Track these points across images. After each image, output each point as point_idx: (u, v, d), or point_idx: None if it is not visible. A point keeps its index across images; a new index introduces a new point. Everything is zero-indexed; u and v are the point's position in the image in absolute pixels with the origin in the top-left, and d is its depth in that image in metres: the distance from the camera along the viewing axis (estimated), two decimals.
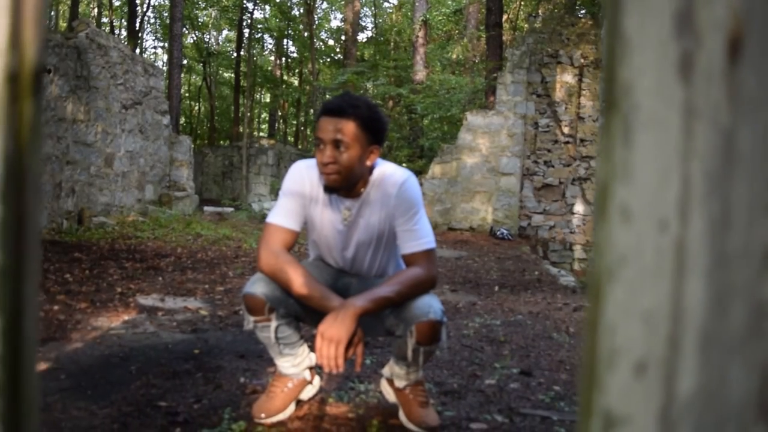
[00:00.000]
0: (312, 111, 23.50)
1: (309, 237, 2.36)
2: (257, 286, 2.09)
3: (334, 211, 2.20)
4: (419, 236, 2.14)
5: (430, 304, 2.05)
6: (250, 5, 24.69)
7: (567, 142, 11.07)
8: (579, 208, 11.12)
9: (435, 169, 11.15)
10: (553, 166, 11.12)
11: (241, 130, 21.96)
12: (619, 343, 0.28)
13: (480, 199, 11.05)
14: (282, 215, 2.16)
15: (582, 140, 11.03)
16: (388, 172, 2.18)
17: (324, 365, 1.92)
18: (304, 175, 2.19)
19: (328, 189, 2.15)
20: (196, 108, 30.89)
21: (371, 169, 2.17)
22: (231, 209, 12.31)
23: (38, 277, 0.37)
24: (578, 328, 4.17)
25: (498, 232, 10.47)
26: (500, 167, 10.96)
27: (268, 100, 29.42)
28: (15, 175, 0.32)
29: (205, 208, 11.88)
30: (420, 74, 16.61)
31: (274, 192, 16.97)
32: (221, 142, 26.07)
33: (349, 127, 2.03)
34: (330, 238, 2.25)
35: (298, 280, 2.01)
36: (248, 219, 11.52)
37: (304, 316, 2.19)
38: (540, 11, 12.90)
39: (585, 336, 0.30)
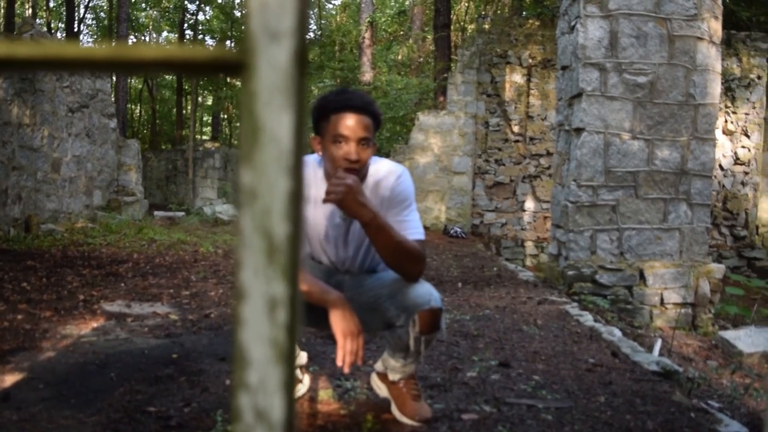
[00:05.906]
0: None
1: None
2: None
3: (332, 209, 2.20)
4: (410, 227, 2.16)
5: (430, 293, 2.08)
6: (192, 6, 24.27)
7: (517, 141, 11.28)
8: (529, 205, 11.35)
9: None
10: (503, 165, 11.32)
11: (184, 133, 21.54)
12: None
13: (433, 198, 11.16)
14: None
15: (531, 138, 11.26)
16: (383, 167, 2.20)
17: (347, 361, 1.98)
18: (310, 176, 2.19)
19: None
20: (137, 111, 30.15)
21: None
22: (182, 213, 12.06)
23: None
24: (546, 321, 4.27)
25: (452, 231, 10.59)
26: (452, 166, 11.09)
27: (210, 102, 28.94)
28: (299, 149, 0.34)
29: (156, 212, 11.62)
30: (367, 75, 16.65)
31: (223, 195, 16.70)
32: (164, 146, 25.50)
33: (370, 124, 2.06)
34: (326, 236, 2.25)
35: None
36: (200, 223, 11.32)
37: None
38: (486, 11, 13.10)
39: None
